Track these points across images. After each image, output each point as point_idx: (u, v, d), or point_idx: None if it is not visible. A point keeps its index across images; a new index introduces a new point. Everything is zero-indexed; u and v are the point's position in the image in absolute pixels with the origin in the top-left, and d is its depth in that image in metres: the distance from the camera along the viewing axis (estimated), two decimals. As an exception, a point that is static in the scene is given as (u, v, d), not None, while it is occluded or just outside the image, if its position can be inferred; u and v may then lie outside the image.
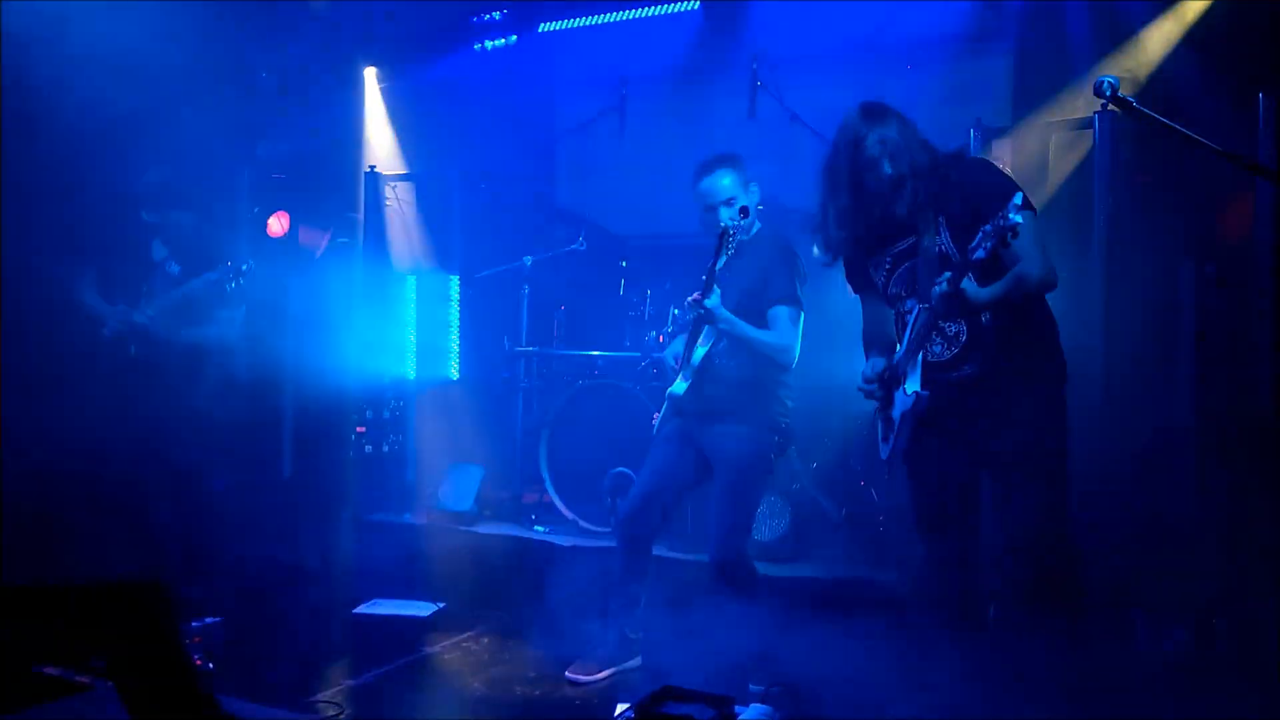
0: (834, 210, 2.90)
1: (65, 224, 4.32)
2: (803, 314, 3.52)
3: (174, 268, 4.22)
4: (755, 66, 5.34)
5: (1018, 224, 2.41)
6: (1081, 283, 4.01)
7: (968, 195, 2.75)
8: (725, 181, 3.53)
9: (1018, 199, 2.45)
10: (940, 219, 2.81)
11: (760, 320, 3.48)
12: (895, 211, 2.80)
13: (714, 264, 3.42)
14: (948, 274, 2.63)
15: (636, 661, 3.68)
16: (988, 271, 2.63)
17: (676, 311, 4.93)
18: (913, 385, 2.77)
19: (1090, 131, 4.09)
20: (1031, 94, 4.61)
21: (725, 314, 3.41)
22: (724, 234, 3.41)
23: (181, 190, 4.27)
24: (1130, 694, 3.13)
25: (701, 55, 5.80)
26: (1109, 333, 3.95)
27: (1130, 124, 3.92)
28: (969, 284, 2.61)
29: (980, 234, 2.49)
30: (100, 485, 4.18)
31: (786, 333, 3.47)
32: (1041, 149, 4.39)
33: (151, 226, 4.25)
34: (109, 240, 4.34)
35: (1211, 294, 3.91)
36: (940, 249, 2.80)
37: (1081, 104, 4.26)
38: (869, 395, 2.98)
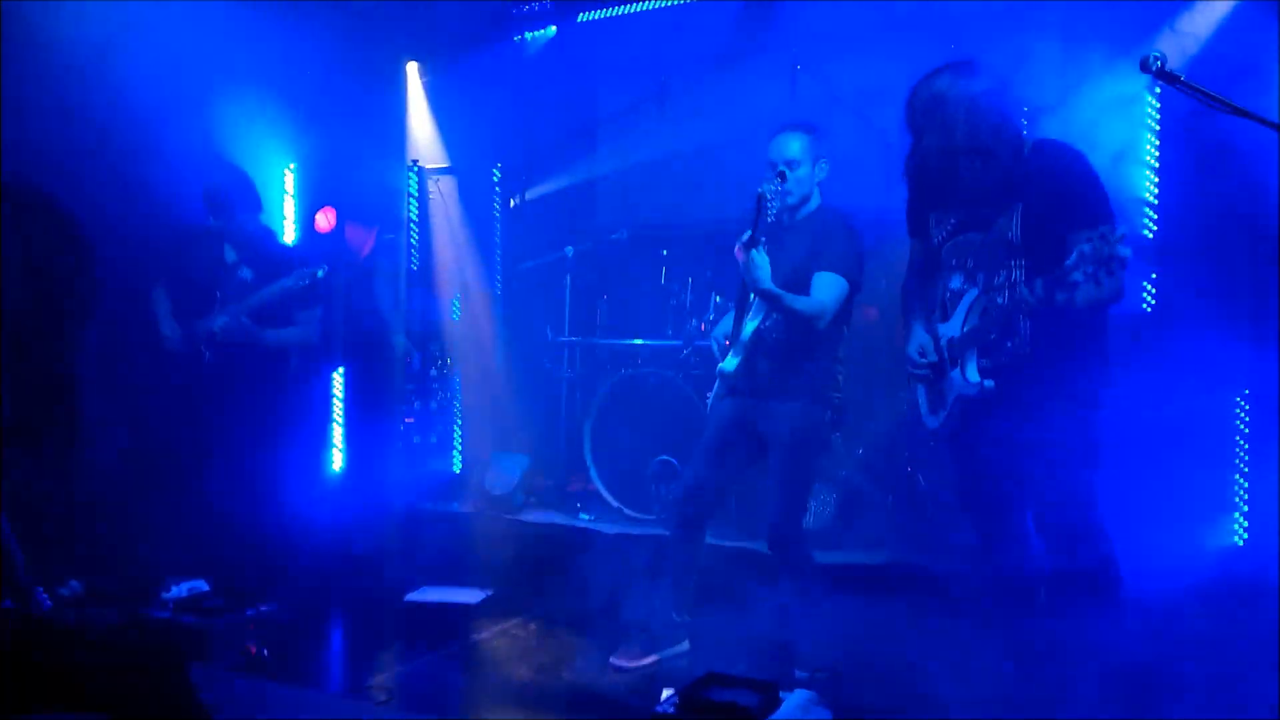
0: (914, 147, 2.80)
1: (132, 232, 4.41)
2: (848, 286, 3.41)
3: (246, 272, 4.30)
4: (795, 50, 5.29)
5: (1126, 258, 2.35)
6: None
7: (1053, 192, 2.68)
8: (795, 144, 3.46)
9: (1119, 227, 2.38)
10: (1018, 205, 2.74)
11: (805, 290, 3.40)
12: (971, 177, 2.72)
13: (756, 218, 3.32)
14: (1039, 280, 2.57)
15: (684, 646, 3.68)
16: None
17: (719, 299, 4.91)
18: (974, 375, 2.74)
19: (1140, 106, 3.99)
20: (1081, 70, 4.50)
21: (770, 286, 3.29)
22: (760, 198, 3.34)
23: (243, 192, 4.35)
24: (1176, 680, 3.06)
25: (741, 40, 5.74)
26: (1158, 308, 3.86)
27: (1181, 100, 3.81)
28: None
29: (1078, 254, 2.40)
30: (165, 481, 4.31)
31: (819, 293, 3.36)
32: (1090, 126, 4.29)
33: (219, 231, 4.35)
34: (179, 248, 4.44)
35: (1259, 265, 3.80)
36: (1011, 237, 2.75)
37: (1132, 79, 4.15)
38: (920, 379, 2.96)
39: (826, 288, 3.38)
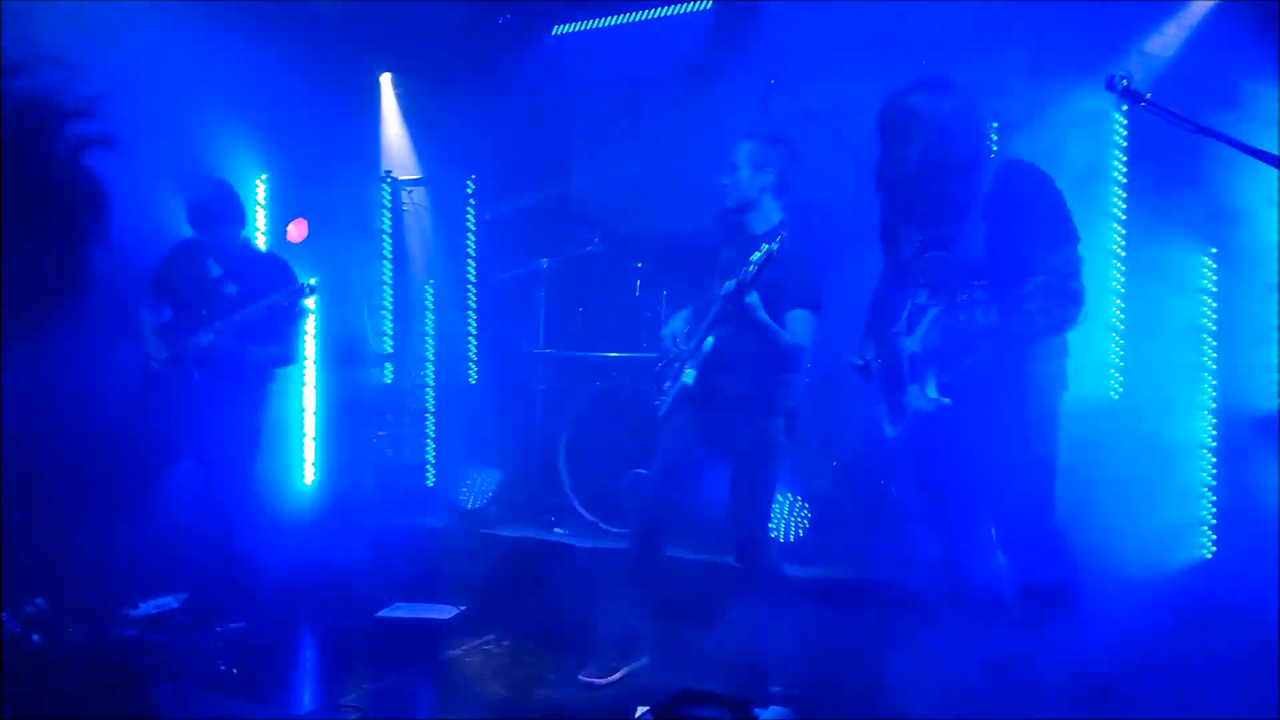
0: (882, 161, 2.84)
1: (117, 247, 4.32)
2: (816, 318, 3.48)
3: (231, 287, 4.24)
4: (768, 65, 5.32)
5: (1079, 291, 2.47)
6: (1098, 274, 3.99)
7: (1017, 214, 2.70)
8: (741, 149, 3.52)
9: (1077, 257, 2.53)
10: (983, 225, 2.76)
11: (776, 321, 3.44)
12: (938, 195, 2.76)
13: (761, 265, 3.30)
14: (995, 305, 2.62)
15: (645, 660, 3.70)
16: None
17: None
18: (933, 391, 2.76)
19: (1106, 124, 4.05)
20: (1048, 87, 4.56)
21: (762, 317, 3.33)
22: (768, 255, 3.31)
23: (227, 205, 4.30)
24: (1149, 687, 3.09)
25: (714, 55, 5.77)
26: (1128, 324, 3.92)
27: (1147, 119, 3.87)
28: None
29: (1032, 286, 2.48)
30: (137, 498, 4.24)
31: (797, 334, 3.44)
32: (1058, 143, 4.35)
33: (202, 245, 4.29)
34: (162, 263, 4.36)
35: (1227, 282, 3.87)
36: (975, 257, 2.76)
37: (1098, 97, 4.22)
38: (859, 371, 3.00)
39: (803, 328, 3.43)
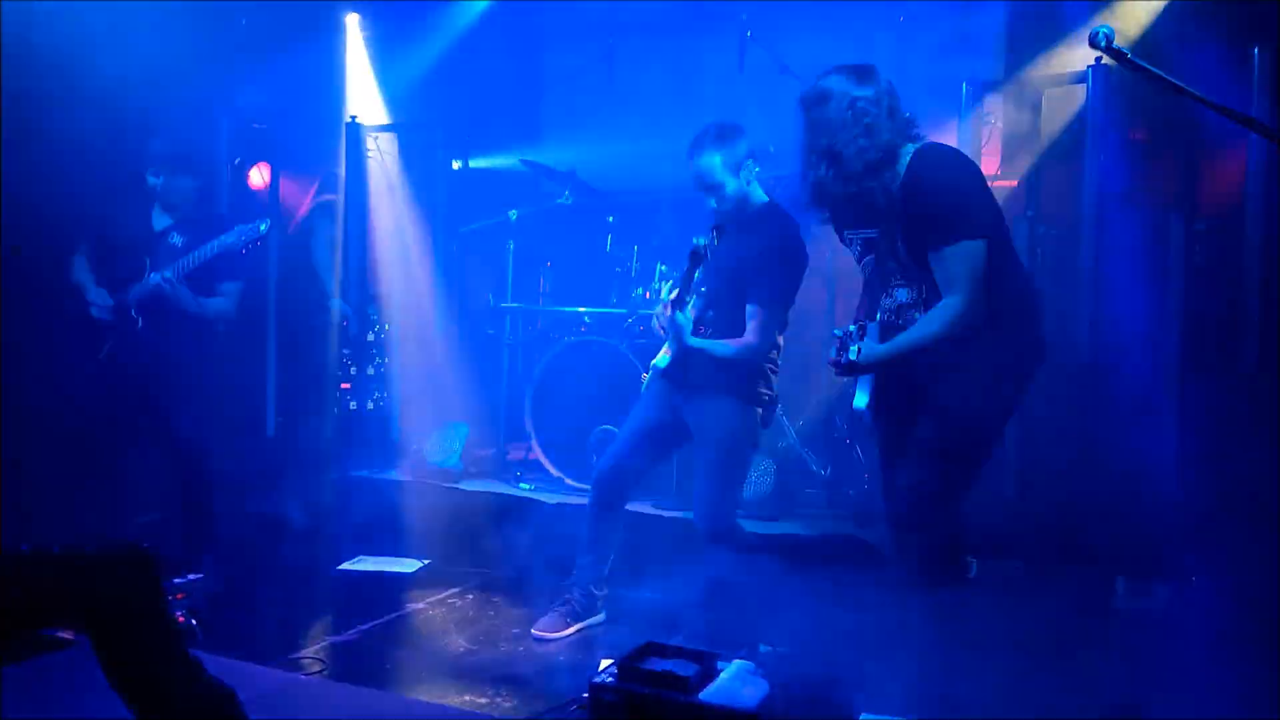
0: (806, 176, 2.76)
1: (58, 195, 4.17)
2: (779, 316, 3.44)
3: (177, 239, 4.07)
4: (745, 16, 5.23)
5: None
6: (1071, 239, 3.98)
7: (922, 206, 2.63)
8: (715, 162, 3.34)
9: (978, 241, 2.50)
10: (898, 225, 2.70)
11: (738, 311, 3.41)
12: (856, 197, 2.67)
13: (689, 272, 3.32)
14: (913, 312, 2.64)
15: (600, 618, 3.70)
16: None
17: (664, 268, 4.87)
18: (862, 400, 2.77)
19: (1084, 86, 4.03)
20: (1025, 47, 4.53)
21: (693, 341, 3.36)
22: (694, 253, 3.30)
23: (185, 154, 4.13)
24: (1108, 651, 3.16)
25: (691, 5, 5.67)
26: (1097, 291, 3.92)
27: (1124, 78, 3.86)
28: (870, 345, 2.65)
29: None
30: (89, 447, 4.14)
31: (753, 335, 3.37)
32: (1034, 103, 4.33)
33: (153, 193, 4.12)
34: (102, 210, 4.18)
35: (1202, 247, 3.88)
36: (897, 259, 2.73)
37: (1076, 58, 4.19)
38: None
39: (757, 328, 3.37)
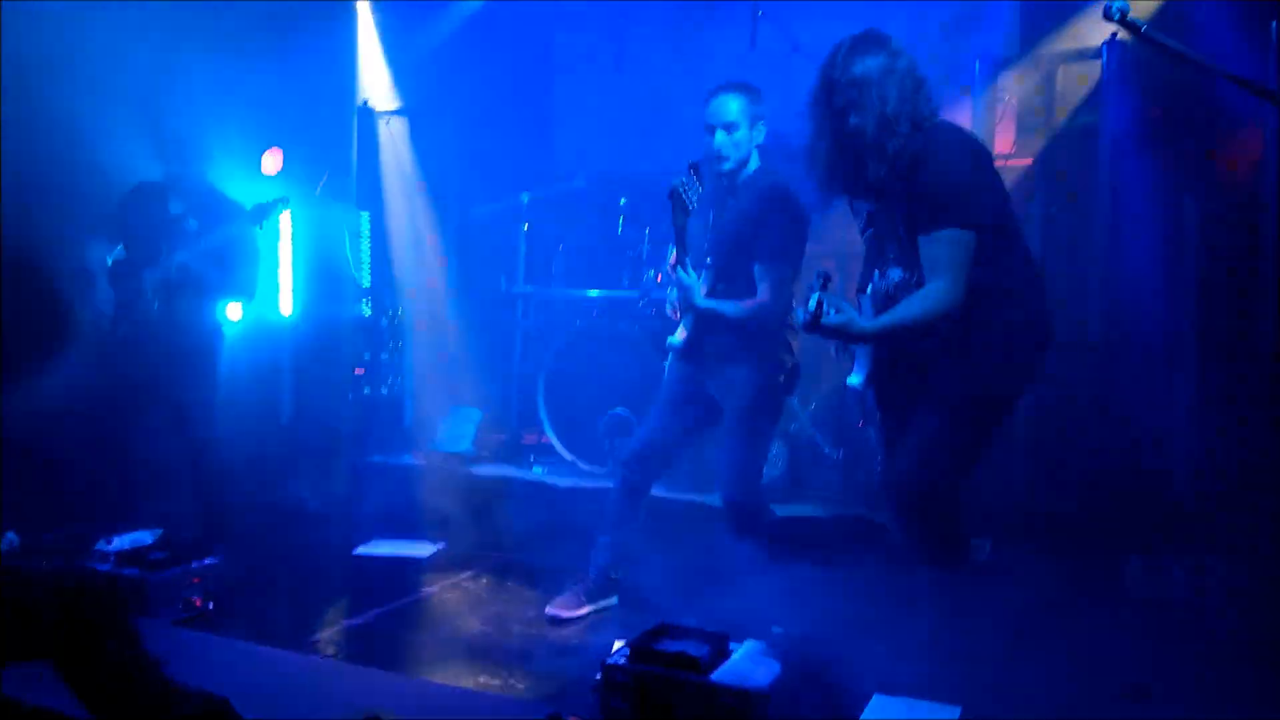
0: (814, 151, 2.75)
1: (73, 182, 4.19)
2: (790, 271, 3.40)
3: (192, 224, 4.11)
4: (757, -4, 5.19)
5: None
6: (1087, 215, 3.94)
7: (918, 185, 2.61)
8: (733, 105, 3.36)
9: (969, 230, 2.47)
10: (899, 202, 2.68)
11: (747, 274, 3.39)
12: (864, 170, 2.65)
13: (677, 223, 3.32)
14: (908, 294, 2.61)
15: (614, 600, 3.71)
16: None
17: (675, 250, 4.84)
18: (856, 378, 2.76)
19: (1099, 61, 3.97)
20: (1039, 23, 4.46)
21: (703, 302, 3.35)
22: (673, 194, 3.30)
23: (198, 140, 4.16)
24: (1120, 634, 3.14)
25: (702, -16, 5.63)
26: (1112, 268, 3.88)
27: (1140, 54, 3.80)
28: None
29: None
30: (104, 432, 4.18)
31: (765, 294, 3.36)
32: (1048, 79, 4.27)
33: (165, 184, 4.15)
34: (122, 201, 4.23)
35: (1217, 228, 3.83)
36: (895, 235, 2.71)
37: (1091, 33, 4.14)
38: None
39: (769, 286, 3.35)
